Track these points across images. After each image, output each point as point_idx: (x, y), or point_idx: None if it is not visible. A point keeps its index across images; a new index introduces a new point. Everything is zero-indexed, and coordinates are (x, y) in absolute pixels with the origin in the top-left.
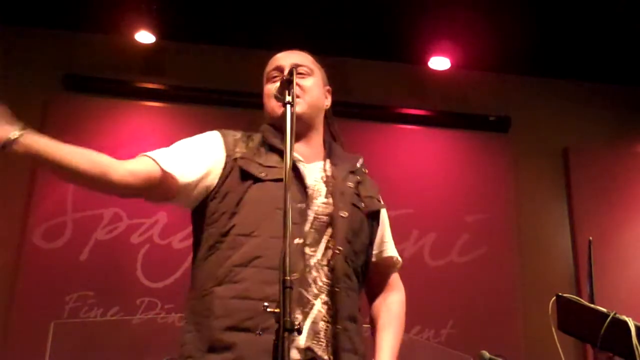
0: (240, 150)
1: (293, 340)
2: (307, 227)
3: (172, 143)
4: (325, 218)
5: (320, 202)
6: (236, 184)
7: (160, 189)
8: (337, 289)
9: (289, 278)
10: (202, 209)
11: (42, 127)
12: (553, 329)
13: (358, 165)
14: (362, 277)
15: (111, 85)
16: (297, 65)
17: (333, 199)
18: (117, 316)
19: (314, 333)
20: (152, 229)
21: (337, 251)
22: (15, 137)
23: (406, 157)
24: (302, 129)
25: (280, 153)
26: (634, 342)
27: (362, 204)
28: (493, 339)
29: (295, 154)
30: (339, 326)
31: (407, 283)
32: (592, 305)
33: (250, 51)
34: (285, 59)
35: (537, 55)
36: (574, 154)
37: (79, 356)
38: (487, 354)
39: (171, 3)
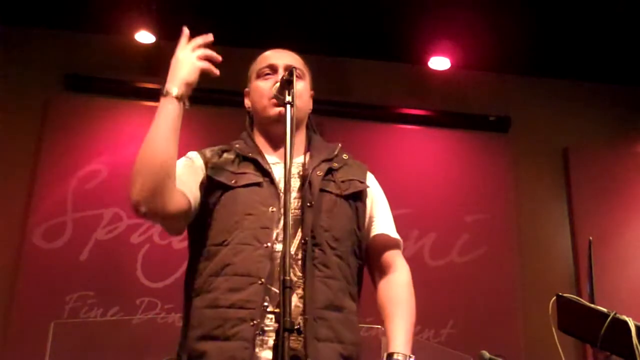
0: (213, 161)
1: (266, 341)
2: (280, 226)
3: None
4: (298, 212)
5: (292, 197)
6: (210, 195)
7: (184, 221)
8: (307, 280)
9: (288, 278)
10: (191, 225)
11: (42, 127)
12: (553, 329)
13: (336, 152)
14: (354, 261)
15: (111, 85)
16: (291, 67)
17: (302, 191)
18: (117, 316)
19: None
20: (152, 229)
21: (304, 242)
22: (174, 94)
23: (406, 157)
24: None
25: (253, 161)
26: (634, 342)
27: (338, 188)
28: (493, 339)
29: (272, 157)
30: (307, 316)
31: None
32: (592, 305)
33: (250, 51)
34: (279, 58)
35: (537, 55)
36: (574, 154)
37: (79, 356)
38: (487, 354)
39: (171, 3)
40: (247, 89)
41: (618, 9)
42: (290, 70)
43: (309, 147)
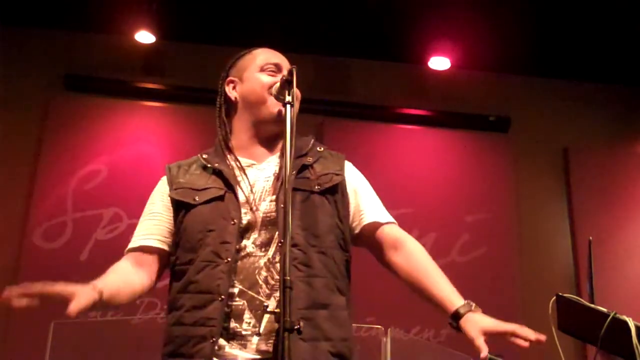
0: (177, 181)
1: (246, 345)
2: (255, 234)
3: (171, 143)
4: (273, 214)
5: (268, 201)
6: (176, 215)
7: (164, 267)
8: (289, 281)
9: (288, 278)
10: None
11: (42, 127)
12: (553, 329)
13: (309, 146)
14: (340, 255)
15: (111, 85)
16: (293, 67)
17: (276, 192)
18: (117, 316)
19: (269, 334)
20: None
21: (280, 243)
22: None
23: (406, 157)
24: (282, 131)
25: (218, 172)
26: (634, 342)
27: (315, 184)
28: (493, 339)
29: (246, 159)
30: (287, 318)
31: None
32: (592, 305)
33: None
34: (282, 60)
35: (537, 55)
36: (574, 154)
37: (79, 356)
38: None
39: (171, 3)
40: (233, 78)
41: (618, 9)
42: (290, 70)
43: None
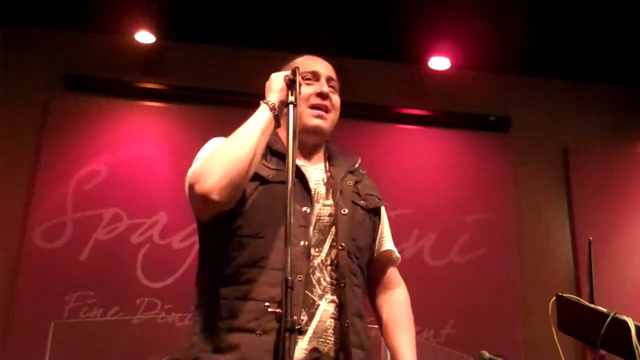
0: None
1: (297, 342)
2: (311, 229)
3: (171, 143)
4: (327, 219)
5: (322, 203)
6: (247, 186)
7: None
8: (342, 285)
9: (290, 278)
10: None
11: (42, 127)
12: (553, 329)
13: (356, 165)
14: (367, 274)
15: (111, 85)
16: (331, 79)
17: (334, 199)
18: (117, 316)
19: (320, 332)
20: (152, 229)
21: (340, 247)
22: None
23: (406, 157)
24: (321, 142)
25: (281, 156)
26: (634, 342)
27: (363, 201)
28: (493, 339)
29: (298, 160)
30: (347, 322)
31: (407, 283)
32: (592, 305)
33: (250, 51)
34: (322, 67)
35: (537, 55)
36: (574, 154)
37: (79, 356)
38: (487, 354)
39: (171, 3)
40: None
41: (617, 9)
42: (293, 70)
43: (327, 155)
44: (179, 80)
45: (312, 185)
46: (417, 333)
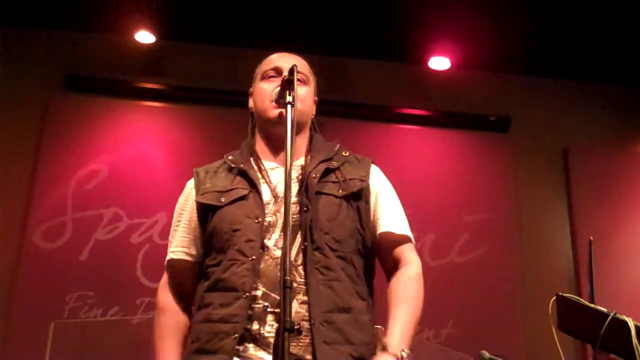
0: (204, 187)
1: (269, 347)
2: (276, 234)
3: (171, 143)
4: (296, 217)
5: (292, 203)
6: (204, 218)
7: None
8: (311, 284)
9: (288, 278)
10: None
11: (42, 127)
12: (553, 329)
13: (335, 150)
14: (359, 260)
15: (111, 85)
16: (296, 71)
17: (299, 196)
18: (117, 316)
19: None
20: (152, 229)
21: (303, 247)
22: None
23: (406, 157)
24: (291, 135)
25: (243, 173)
26: (634, 342)
27: (340, 189)
28: (493, 339)
29: (270, 162)
30: (314, 321)
31: None
32: (592, 305)
33: (249, 51)
34: (284, 61)
35: (537, 55)
36: (574, 154)
37: (79, 356)
38: (487, 354)
39: (171, 3)
40: (251, 90)
41: (618, 9)
42: (291, 69)
43: (310, 149)
44: (179, 80)
45: (273, 190)
46: (417, 333)
